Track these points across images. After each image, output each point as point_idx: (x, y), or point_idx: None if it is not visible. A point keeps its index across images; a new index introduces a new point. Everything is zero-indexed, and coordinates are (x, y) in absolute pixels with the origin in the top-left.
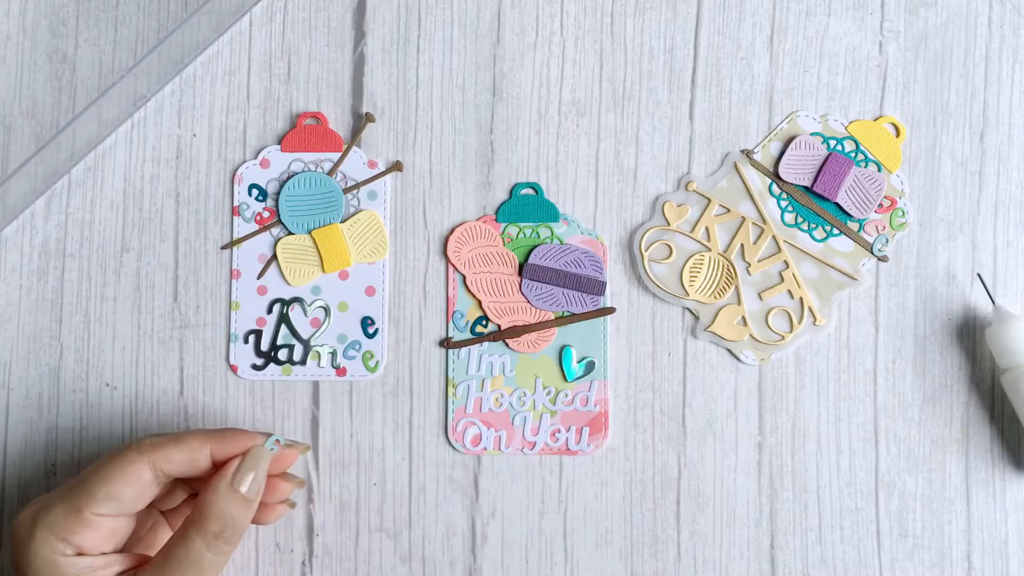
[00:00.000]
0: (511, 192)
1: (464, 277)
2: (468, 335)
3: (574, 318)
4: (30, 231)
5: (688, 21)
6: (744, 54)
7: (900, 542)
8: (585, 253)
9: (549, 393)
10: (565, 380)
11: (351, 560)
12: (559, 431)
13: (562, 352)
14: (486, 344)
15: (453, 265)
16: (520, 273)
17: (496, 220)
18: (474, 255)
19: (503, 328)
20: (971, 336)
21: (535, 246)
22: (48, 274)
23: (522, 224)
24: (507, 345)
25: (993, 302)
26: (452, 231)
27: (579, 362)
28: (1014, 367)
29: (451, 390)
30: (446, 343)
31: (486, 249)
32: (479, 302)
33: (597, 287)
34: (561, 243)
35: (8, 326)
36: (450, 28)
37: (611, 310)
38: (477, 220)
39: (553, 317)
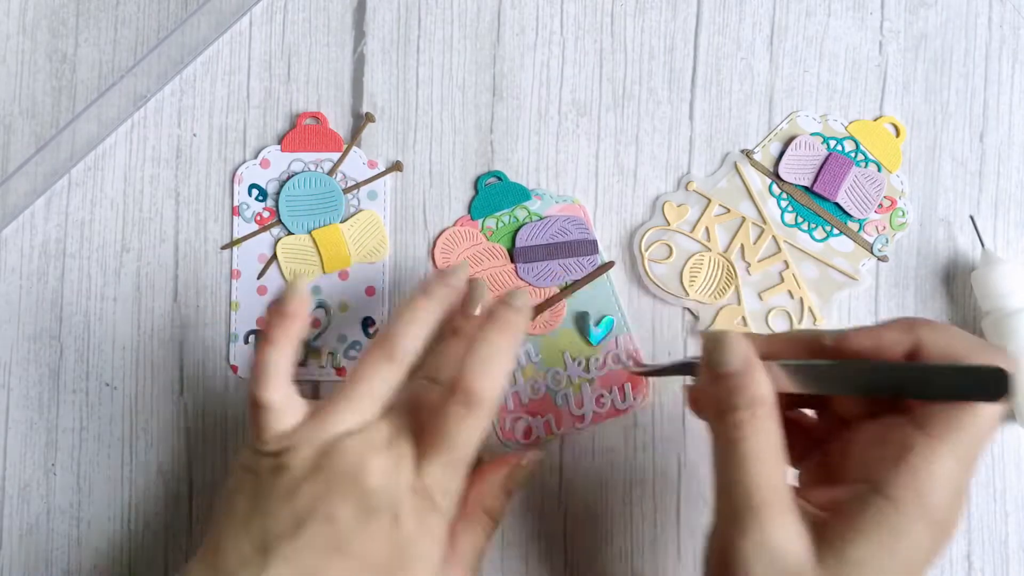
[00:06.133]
0: (475, 186)
1: None
2: None
3: (577, 284)
4: (30, 231)
5: (688, 21)
6: (744, 54)
7: None
8: (567, 219)
9: (580, 364)
10: (591, 346)
11: None
12: (603, 396)
13: (579, 320)
14: None
15: None
16: (512, 260)
17: (472, 218)
18: (463, 259)
19: None
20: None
21: (517, 229)
22: (48, 274)
23: (497, 213)
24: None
25: (983, 244)
26: (435, 242)
27: (598, 324)
28: (995, 310)
29: None
30: None
31: (473, 250)
32: None
33: (589, 247)
34: (540, 218)
35: (8, 326)
36: (450, 28)
37: (610, 264)
38: (454, 226)
39: (558, 290)
